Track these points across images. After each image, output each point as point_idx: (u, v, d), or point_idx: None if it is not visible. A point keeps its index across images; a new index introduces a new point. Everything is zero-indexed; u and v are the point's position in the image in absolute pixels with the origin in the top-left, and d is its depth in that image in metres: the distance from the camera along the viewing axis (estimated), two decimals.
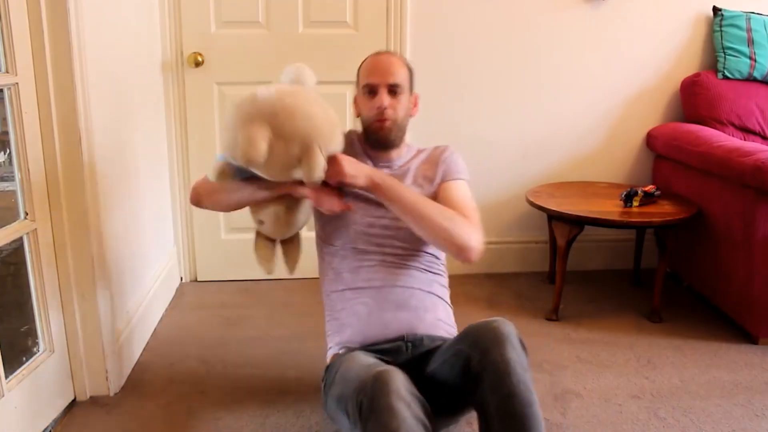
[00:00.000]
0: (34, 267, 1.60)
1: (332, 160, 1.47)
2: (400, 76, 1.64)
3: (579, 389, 1.87)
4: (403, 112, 1.65)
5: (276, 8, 2.47)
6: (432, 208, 1.50)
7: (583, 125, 2.71)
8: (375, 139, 1.67)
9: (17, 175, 1.54)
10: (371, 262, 1.61)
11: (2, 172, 1.57)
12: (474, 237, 1.48)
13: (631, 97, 2.70)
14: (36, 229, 1.57)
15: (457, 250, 1.47)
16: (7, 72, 1.47)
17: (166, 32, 2.43)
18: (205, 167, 2.57)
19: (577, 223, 2.23)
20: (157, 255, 2.35)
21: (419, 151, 1.75)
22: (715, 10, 2.63)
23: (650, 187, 2.36)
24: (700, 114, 2.57)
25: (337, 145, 1.49)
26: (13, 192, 1.55)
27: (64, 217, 1.64)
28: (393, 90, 1.63)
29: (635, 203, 2.29)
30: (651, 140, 2.69)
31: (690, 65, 2.69)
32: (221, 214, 2.63)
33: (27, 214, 1.56)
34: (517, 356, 1.29)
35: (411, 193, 1.54)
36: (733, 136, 2.49)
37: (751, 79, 2.60)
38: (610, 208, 2.29)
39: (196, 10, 2.44)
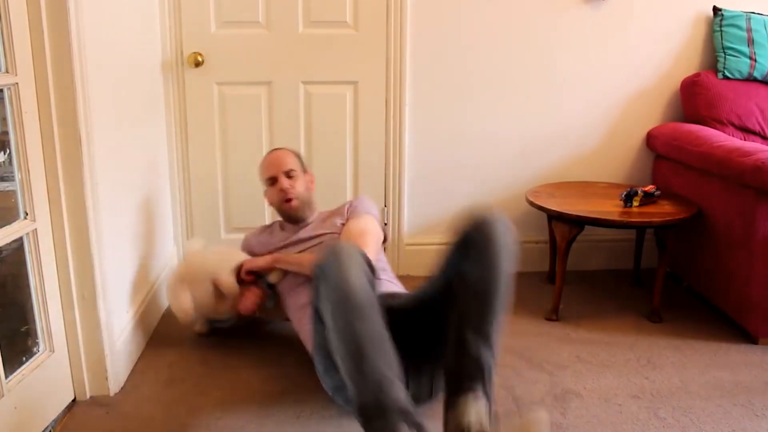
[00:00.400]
0: (34, 267, 1.60)
1: (240, 266, 2.02)
2: (291, 164, 2.07)
3: (579, 389, 1.87)
4: (302, 188, 2.06)
5: (276, 8, 2.47)
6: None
7: (583, 125, 2.71)
8: (289, 217, 2.09)
9: (17, 175, 1.54)
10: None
11: (2, 172, 1.57)
12: None
13: (631, 97, 2.70)
14: (36, 229, 1.57)
15: None
16: (7, 72, 1.47)
17: (166, 32, 2.43)
18: (205, 167, 2.58)
19: (577, 223, 2.23)
20: (157, 255, 2.35)
21: (325, 212, 2.14)
22: (715, 10, 2.63)
23: (650, 187, 2.36)
24: (700, 114, 2.57)
25: (235, 264, 2.03)
26: (13, 192, 1.55)
27: (64, 217, 1.64)
28: (289, 175, 2.05)
29: (635, 203, 2.29)
30: (651, 140, 2.69)
31: (690, 65, 2.69)
32: (221, 213, 2.64)
33: (27, 214, 1.56)
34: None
35: (296, 257, 1.98)
36: (733, 136, 2.49)
37: (751, 79, 2.60)
38: (610, 208, 2.29)
39: (196, 10, 2.44)
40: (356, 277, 1.42)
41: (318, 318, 1.51)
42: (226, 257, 2.07)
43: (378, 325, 1.40)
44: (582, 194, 2.47)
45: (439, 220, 2.72)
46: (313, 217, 2.12)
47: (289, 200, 2.03)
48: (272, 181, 2.06)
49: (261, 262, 2.02)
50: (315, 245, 2.00)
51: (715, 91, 2.55)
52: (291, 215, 2.08)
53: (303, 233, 2.05)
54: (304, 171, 2.12)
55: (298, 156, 2.13)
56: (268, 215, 2.64)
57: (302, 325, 1.85)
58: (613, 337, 2.19)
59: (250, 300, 2.01)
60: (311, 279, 1.54)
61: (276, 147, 2.27)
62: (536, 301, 2.48)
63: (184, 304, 1.98)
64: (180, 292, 2.00)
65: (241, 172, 2.59)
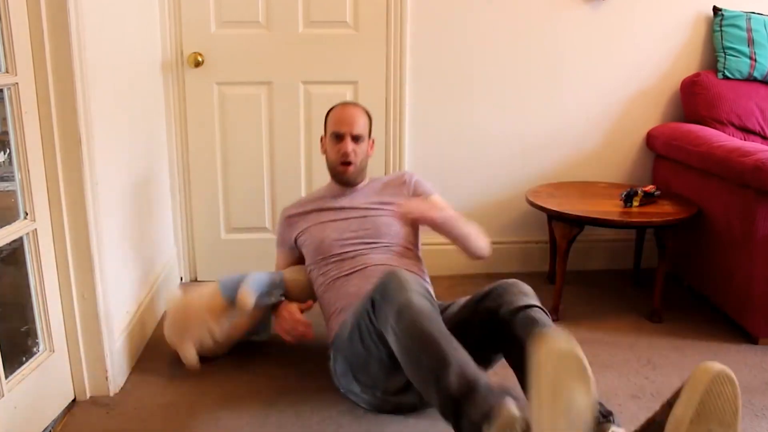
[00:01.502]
0: (34, 267, 1.60)
1: (424, 206, 1.87)
2: (362, 127, 1.98)
3: None
4: (363, 155, 2.00)
5: (276, 8, 2.47)
6: (471, 231, 1.87)
7: (583, 125, 2.71)
8: (340, 180, 2.02)
9: (17, 175, 1.54)
10: (351, 254, 1.90)
11: (2, 172, 1.57)
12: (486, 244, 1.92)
13: (631, 97, 2.70)
14: (36, 229, 1.57)
15: (480, 257, 1.91)
16: (7, 72, 1.47)
17: (166, 32, 2.43)
18: (205, 167, 2.58)
19: (577, 223, 2.23)
20: (157, 255, 2.35)
21: (378, 179, 2.11)
22: (715, 10, 2.63)
23: (650, 187, 2.36)
24: (700, 114, 2.57)
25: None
26: (13, 192, 1.55)
27: (64, 217, 1.64)
28: (357, 139, 1.96)
29: (635, 203, 2.29)
30: (651, 140, 2.69)
31: (690, 65, 2.69)
32: (221, 213, 2.64)
33: (27, 214, 1.56)
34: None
35: (460, 224, 1.86)
36: (733, 136, 2.49)
37: (751, 79, 2.60)
38: (610, 208, 2.29)
39: (196, 10, 2.44)
40: (418, 294, 1.48)
41: (358, 330, 1.59)
42: (206, 293, 1.98)
43: (444, 327, 1.44)
44: (582, 194, 2.47)
45: None
46: (364, 183, 2.07)
47: (347, 164, 1.96)
48: (338, 137, 1.96)
49: (437, 214, 1.83)
50: (379, 214, 1.97)
51: (715, 91, 2.55)
52: (342, 177, 2.01)
53: (359, 199, 2.01)
54: (370, 135, 2.04)
55: (370, 119, 2.04)
56: (268, 215, 2.64)
57: (332, 324, 1.82)
58: (613, 337, 2.19)
59: (296, 324, 1.90)
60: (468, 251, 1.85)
61: (352, 102, 2.20)
62: None
63: (192, 359, 1.91)
64: (184, 350, 1.91)
65: (241, 172, 2.59)
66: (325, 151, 2.04)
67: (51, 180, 1.61)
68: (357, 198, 2.03)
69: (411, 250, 1.98)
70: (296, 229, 2.04)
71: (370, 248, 1.91)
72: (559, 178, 2.72)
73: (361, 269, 1.84)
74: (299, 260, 2.07)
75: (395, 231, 1.95)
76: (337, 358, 1.72)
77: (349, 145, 1.94)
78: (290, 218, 2.07)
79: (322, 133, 2.05)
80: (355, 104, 2.07)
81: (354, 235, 1.93)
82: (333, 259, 1.91)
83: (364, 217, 1.97)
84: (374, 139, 2.08)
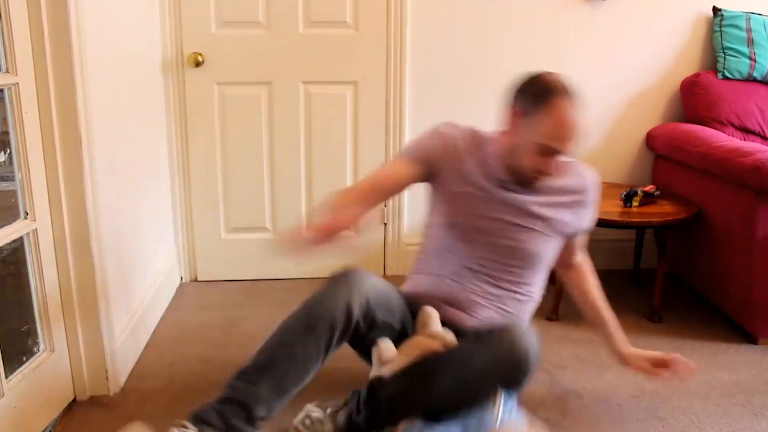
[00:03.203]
0: (34, 267, 1.60)
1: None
2: (576, 146, 1.51)
3: (579, 389, 1.87)
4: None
5: (276, 8, 2.47)
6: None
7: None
8: (521, 182, 1.58)
9: (17, 175, 1.54)
10: (463, 260, 1.64)
11: (2, 172, 1.57)
12: None
13: (631, 97, 2.70)
14: (36, 229, 1.57)
15: None
16: (7, 72, 1.47)
17: (166, 32, 2.43)
18: (205, 167, 2.58)
19: None
20: (157, 255, 2.35)
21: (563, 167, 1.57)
22: (715, 10, 2.63)
23: (650, 187, 2.36)
24: (699, 114, 2.57)
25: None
26: (13, 192, 1.55)
27: (64, 217, 1.64)
28: (566, 155, 1.50)
29: (635, 203, 2.29)
30: (651, 140, 2.69)
31: (690, 65, 2.69)
32: (221, 213, 2.63)
33: (27, 214, 1.56)
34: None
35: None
36: (732, 136, 2.50)
37: (750, 80, 2.60)
38: (609, 208, 2.29)
39: (196, 10, 2.44)
40: (341, 309, 1.45)
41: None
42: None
43: (310, 352, 1.45)
44: None
45: None
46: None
47: (540, 178, 1.55)
48: (550, 151, 1.48)
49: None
50: (532, 236, 1.62)
51: (715, 91, 2.55)
52: (527, 184, 1.58)
53: (531, 199, 1.61)
54: None
55: None
56: (268, 215, 2.64)
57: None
58: None
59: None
60: None
61: (576, 99, 1.49)
62: None
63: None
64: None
65: (241, 172, 2.59)
66: (511, 142, 1.54)
67: (51, 180, 1.61)
68: (528, 198, 1.61)
69: (520, 291, 1.68)
70: (450, 162, 1.62)
71: (481, 271, 1.63)
72: None
73: (449, 278, 1.65)
74: (415, 180, 1.63)
75: (532, 261, 1.64)
76: None
77: (560, 165, 1.51)
78: (455, 143, 1.63)
79: (514, 104, 1.53)
80: (581, 110, 1.49)
81: (486, 248, 1.62)
82: (450, 241, 1.64)
83: (515, 229, 1.60)
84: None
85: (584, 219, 1.70)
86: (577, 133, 1.46)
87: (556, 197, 1.63)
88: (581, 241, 1.81)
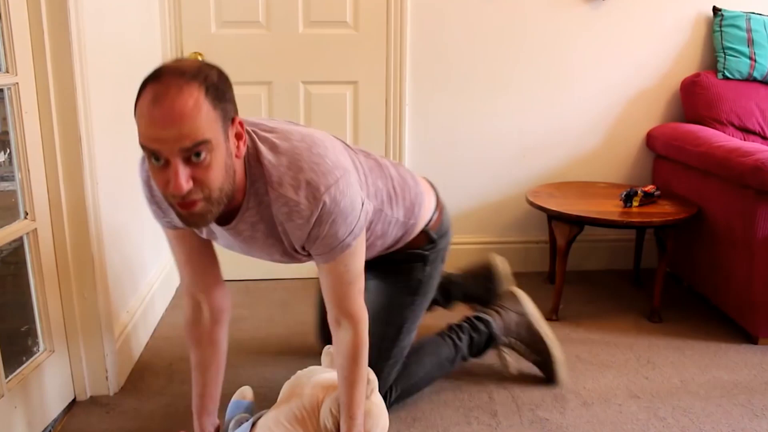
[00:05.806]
0: (34, 267, 1.60)
1: None
2: (201, 128, 1.04)
3: (579, 389, 1.87)
4: (220, 179, 1.09)
5: (276, 8, 2.47)
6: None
7: (583, 125, 2.71)
8: (188, 224, 1.13)
9: (17, 175, 1.54)
10: None
11: (2, 172, 1.57)
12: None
13: (631, 97, 2.70)
14: (36, 229, 1.57)
15: None
16: (7, 72, 1.47)
17: (166, 32, 2.43)
18: None
19: (577, 223, 2.23)
20: (157, 255, 2.35)
21: (275, 196, 1.19)
22: (715, 10, 2.63)
23: (650, 187, 2.36)
24: (700, 114, 2.57)
25: None
26: (13, 192, 1.55)
27: (64, 217, 1.64)
28: (195, 152, 1.05)
29: (635, 203, 2.29)
30: (651, 140, 2.69)
31: (690, 65, 2.69)
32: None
33: (27, 214, 1.56)
34: None
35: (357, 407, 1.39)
36: (733, 136, 2.50)
37: (751, 80, 2.60)
38: (610, 208, 2.29)
39: (196, 10, 2.44)
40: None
41: None
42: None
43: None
44: (582, 194, 2.47)
45: None
46: (245, 206, 1.24)
47: (188, 206, 1.13)
48: (156, 157, 1.18)
49: None
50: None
51: (715, 91, 2.55)
52: (189, 223, 1.16)
53: (236, 233, 1.30)
54: (226, 129, 1.13)
55: (215, 94, 1.12)
56: None
57: None
58: (613, 337, 2.19)
59: None
60: None
61: (169, 76, 1.18)
62: (536, 301, 2.46)
63: None
64: None
65: None
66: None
67: (51, 180, 1.61)
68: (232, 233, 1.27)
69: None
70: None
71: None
72: (559, 178, 2.72)
73: None
74: None
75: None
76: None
77: (182, 175, 1.05)
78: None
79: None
80: (176, 84, 1.11)
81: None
82: None
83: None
84: (240, 121, 1.15)
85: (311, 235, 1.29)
86: (166, 120, 1.09)
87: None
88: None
